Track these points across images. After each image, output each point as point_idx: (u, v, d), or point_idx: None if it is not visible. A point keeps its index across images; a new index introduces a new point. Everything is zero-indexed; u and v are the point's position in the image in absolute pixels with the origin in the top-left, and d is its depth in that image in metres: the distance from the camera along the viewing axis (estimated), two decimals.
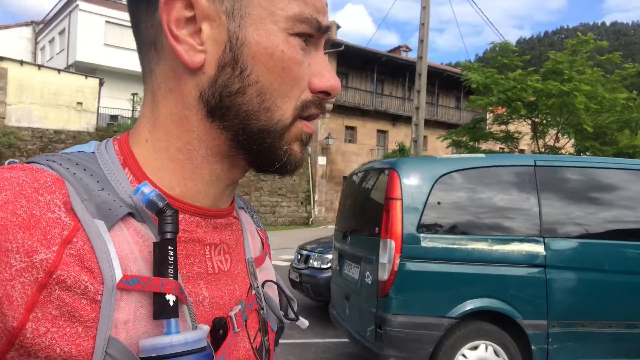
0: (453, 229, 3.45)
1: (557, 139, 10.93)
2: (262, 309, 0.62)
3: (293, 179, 21.42)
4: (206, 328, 0.49)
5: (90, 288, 0.43)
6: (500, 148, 12.12)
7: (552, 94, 9.15)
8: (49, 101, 17.61)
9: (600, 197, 3.62)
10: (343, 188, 5.10)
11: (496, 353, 3.38)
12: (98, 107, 18.94)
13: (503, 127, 11.24)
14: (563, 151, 10.86)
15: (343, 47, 22.98)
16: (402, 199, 3.35)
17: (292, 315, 0.68)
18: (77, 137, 17.51)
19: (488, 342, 3.35)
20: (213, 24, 0.50)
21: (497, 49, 11.00)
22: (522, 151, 12.11)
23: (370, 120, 25.33)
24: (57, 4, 26.10)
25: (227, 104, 0.51)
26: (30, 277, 0.42)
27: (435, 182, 3.43)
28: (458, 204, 3.48)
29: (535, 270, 3.40)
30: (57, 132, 17.40)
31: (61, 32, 25.06)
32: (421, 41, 12.89)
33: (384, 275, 3.32)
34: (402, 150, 20.77)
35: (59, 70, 18.60)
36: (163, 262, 0.47)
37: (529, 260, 3.41)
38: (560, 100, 9.34)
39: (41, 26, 27.86)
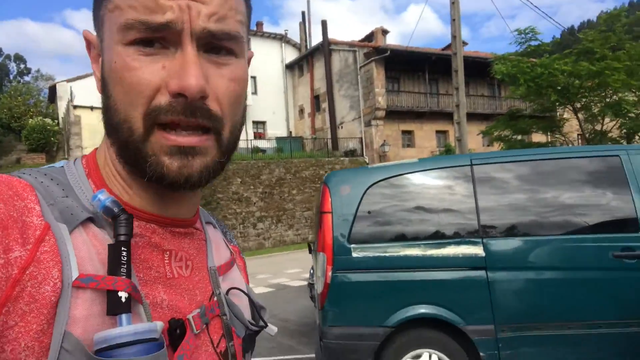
0: (385, 237, 3.41)
1: (602, 123, 10.01)
2: (225, 315, 0.63)
3: None
4: (160, 324, 0.50)
5: (58, 285, 0.46)
6: (551, 139, 11.31)
7: (581, 75, 8.48)
8: None
9: (543, 190, 3.40)
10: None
11: None
12: None
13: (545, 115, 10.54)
14: (611, 134, 9.92)
15: (389, 52, 22.86)
16: (332, 212, 3.40)
17: (262, 323, 0.70)
18: None
19: (432, 351, 3.24)
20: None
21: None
22: (570, 142, 11.22)
23: (427, 122, 24.78)
24: None
25: (105, 120, 0.55)
26: (6, 273, 0.44)
27: (364, 192, 3.43)
28: (389, 212, 3.45)
29: (475, 273, 3.27)
30: None
31: None
32: (454, 37, 12.58)
33: (319, 288, 3.39)
34: (448, 151, 20.08)
35: None
36: (116, 262, 0.49)
37: (468, 263, 3.29)
38: (594, 82, 8.62)
39: None
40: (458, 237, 3.34)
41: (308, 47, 29.57)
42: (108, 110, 0.53)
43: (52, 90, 26.95)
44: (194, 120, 0.51)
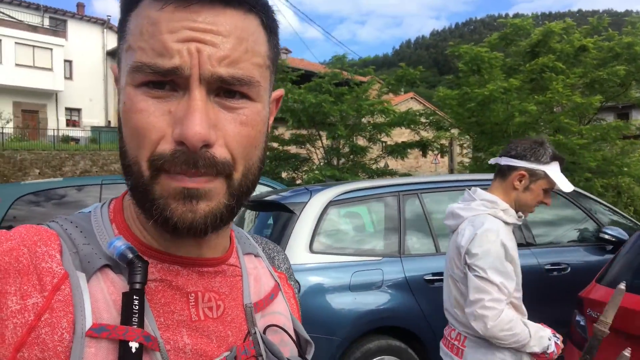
0: None
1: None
2: (261, 355, 0.60)
3: None
4: None
5: (66, 335, 0.47)
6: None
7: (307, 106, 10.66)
8: None
9: None
10: None
11: None
12: None
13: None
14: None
15: None
16: None
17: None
18: None
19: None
20: None
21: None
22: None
23: None
24: None
25: (120, 160, 0.55)
26: (22, 318, 0.46)
27: (10, 206, 4.70)
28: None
29: None
30: None
31: None
32: None
33: None
34: None
35: None
36: (128, 311, 0.49)
37: None
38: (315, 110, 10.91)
39: None
40: None
41: None
42: (121, 151, 0.54)
43: None
44: (196, 172, 0.49)
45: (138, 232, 0.57)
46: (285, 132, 12.68)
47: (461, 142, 13.01)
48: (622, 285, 1.64)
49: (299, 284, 2.98)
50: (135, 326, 0.49)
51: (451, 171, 10.88)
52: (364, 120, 11.96)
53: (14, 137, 21.45)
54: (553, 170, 1.86)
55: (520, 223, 1.93)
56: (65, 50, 26.64)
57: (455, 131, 12.67)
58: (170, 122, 0.50)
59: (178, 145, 0.49)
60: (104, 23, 29.50)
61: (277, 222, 3.32)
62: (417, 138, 12.89)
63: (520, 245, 3.53)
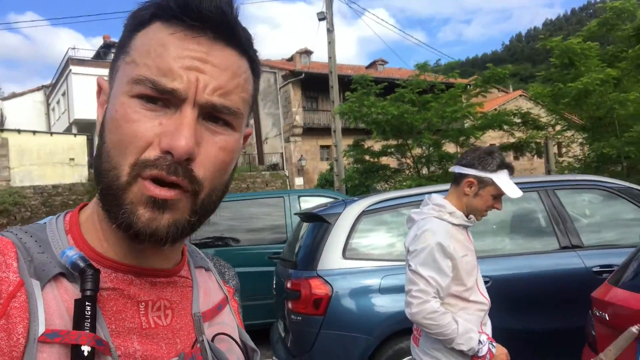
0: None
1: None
2: None
3: None
4: None
5: (21, 340, 0.49)
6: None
7: (390, 117, 10.74)
8: (45, 161, 20.66)
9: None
10: None
11: None
12: (88, 160, 21.91)
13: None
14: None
15: (303, 75, 25.16)
16: None
17: None
18: (72, 189, 20.31)
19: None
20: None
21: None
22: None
23: (346, 137, 27.15)
24: (57, 71, 29.73)
25: (95, 164, 0.57)
26: None
27: None
28: None
29: None
30: (54, 186, 20.19)
31: (63, 94, 28.51)
32: (330, 58, 15.14)
33: None
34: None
35: (51, 133, 21.89)
36: (80, 316, 0.51)
37: None
38: (400, 121, 10.91)
39: (50, 89, 31.51)
40: None
41: None
42: (100, 155, 0.56)
43: None
44: (174, 179, 0.53)
45: (96, 242, 0.59)
46: (374, 144, 12.90)
47: (560, 140, 12.19)
48: (635, 329, 1.58)
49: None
50: (87, 331, 0.51)
51: (548, 172, 10.23)
52: (451, 126, 11.77)
53: None
54: (500, 178, 1.99)
55: (470, 224, 2.07)
56: None
57: (558, 127, 11.90)
58: (159, 133, 0.53)
59: (163, 153, 0.53)
60: None
61: (316, 231, 3.67)
62: (512, 140, 12.37)
63: (565, 248, 3.51)
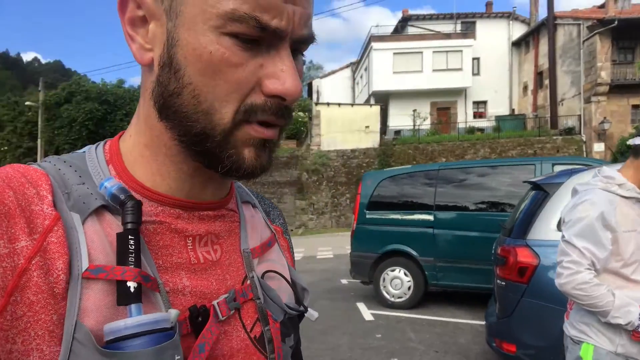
0: (383, 208, 6.45)
1: None
2: (259, 299, 0.61)
3: None
4: (174, 312, 0.49)
5: (62, 277, 0.46)
6: None
7: None
8: (347, 128, 24.08)
9: (471, 186, 5.87)
10: None
11: (405, 274, 6.26)
12: (380, 127, 24.40)
13: None
14: None
15: (616, 22, 21.35)
16: (360, 194, 6.59)
17: (302, 307, 0.68)
18: (366, 153, 23.19)
19: (401, 268, 6.25)
20: (157, 23, 0.51)
21: None
22: None
23: None
24: (362, 48, 33.55)
25: (168, 104, 0.51)
26: (11, 262, 0.44)
27: (377, 184, 6.48)
28: (388, 195, 6.41)
29: (427, 229, 6.05)
30: (352, 150, 23.46)
31: (365, 69, 32.10)
32: None
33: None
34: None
35: (352, 104, 25.18)
36: (124, 251, 0.49)
37: (424, 224, 6.06)
38: None
39: (356, 65, 35.91)
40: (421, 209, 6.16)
41: (537, 21, 29.07)
42: (180, 95, 0.50)
43: (309, 85, 34.08)
44: (281, 121, 0.52)
45: (147, 176, 0.56)
46: None
47: None
48: None
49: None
50: (132, 266, 0.48)
51: None
52: None
53: (429, 132, 25.59)
54: None
55: None
56: (474, 49, 29.30)
57: None
58: (262, 75, 0.50)
59: (269, 97, 0.50)
60: (509, 15, 30.57)
61: (535, 201, 3.55)
62: None
63: None
